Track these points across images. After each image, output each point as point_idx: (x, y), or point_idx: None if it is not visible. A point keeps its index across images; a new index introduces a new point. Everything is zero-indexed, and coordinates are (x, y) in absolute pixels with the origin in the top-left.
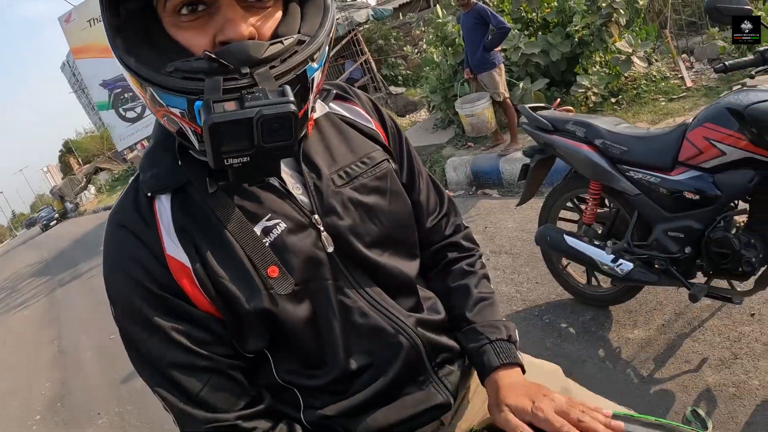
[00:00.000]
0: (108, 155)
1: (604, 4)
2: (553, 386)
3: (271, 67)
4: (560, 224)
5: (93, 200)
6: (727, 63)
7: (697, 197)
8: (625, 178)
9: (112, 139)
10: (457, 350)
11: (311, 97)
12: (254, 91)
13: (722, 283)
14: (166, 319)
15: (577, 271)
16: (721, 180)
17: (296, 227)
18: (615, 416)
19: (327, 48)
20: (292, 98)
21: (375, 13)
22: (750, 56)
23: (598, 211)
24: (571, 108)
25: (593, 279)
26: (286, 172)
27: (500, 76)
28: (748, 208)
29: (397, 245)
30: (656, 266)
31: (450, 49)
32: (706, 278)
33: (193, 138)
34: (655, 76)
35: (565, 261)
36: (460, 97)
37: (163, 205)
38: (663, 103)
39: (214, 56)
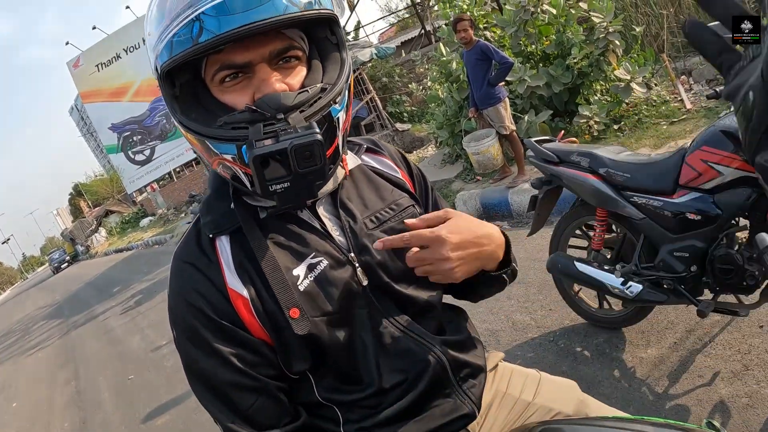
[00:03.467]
0: (118, 198)
1: (600, 36)
2: (570, 400)
3: (301, 111)
4: (570, 251)
5: (104, 243)
6: (717, 90)
7: (699, 217)
8: (630, 204)
9: (122, 182)
10: (478, 366)
11: (339, 134)
12: (287, 129)
13: (729, 298)
14: (223, 344)
15: (588, 296)
16: (720, 200)
17: (336, 264)
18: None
19: (347, 93)
20: (317, 129)
21: (378, 51)
22: None
23: (606, 236)
24: (575, 139)
25: (605, 303)
26: (326, 217)
27: (506, 110)
28: (748, 224)
29: (421, 279)
30: (664, 286)
31: (455, 85)
32: (713, 294)
33: (244, 179)
34: (655, 100)
35: (576, 287)
36: (466, 132)
37: (224, 244)
38: (665, 127)
39: (254, 107)
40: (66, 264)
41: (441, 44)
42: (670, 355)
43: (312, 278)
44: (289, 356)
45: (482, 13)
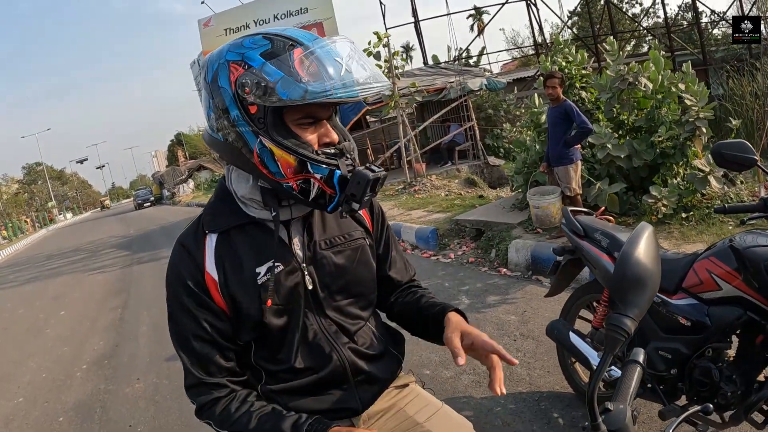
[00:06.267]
0: (214, 156)
1: (690, 119)
2: None
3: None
4: (579, 322)
5: (189, 194)
6: (726, 205)
7: (689, 324)
8: None
9: None
10: (377, 377)
11: None
12: (369, 166)
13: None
14: (195, 307)
15: (583, 370)
16: (713, 312)
17: (290, 269)
18: None
19: None
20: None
21: (489, 83)
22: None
23: None
24: (611, 218)
25: None
26: (294, 234)
27: (575, 173)
28: (737, 345)
29: (353, 296)
30: (642, 380)
31: (540, 135)
32: (687, 402)
33: (314, 191)
34: (732, 198)
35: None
36: (536, 183)
37: (211, 240)
38: (730, 227)
39: (341, 148)
40: (149, 204)
41: (536, 94)
42: None
43: (269, 276)
44: (239, 327)
45: (582, 72)
